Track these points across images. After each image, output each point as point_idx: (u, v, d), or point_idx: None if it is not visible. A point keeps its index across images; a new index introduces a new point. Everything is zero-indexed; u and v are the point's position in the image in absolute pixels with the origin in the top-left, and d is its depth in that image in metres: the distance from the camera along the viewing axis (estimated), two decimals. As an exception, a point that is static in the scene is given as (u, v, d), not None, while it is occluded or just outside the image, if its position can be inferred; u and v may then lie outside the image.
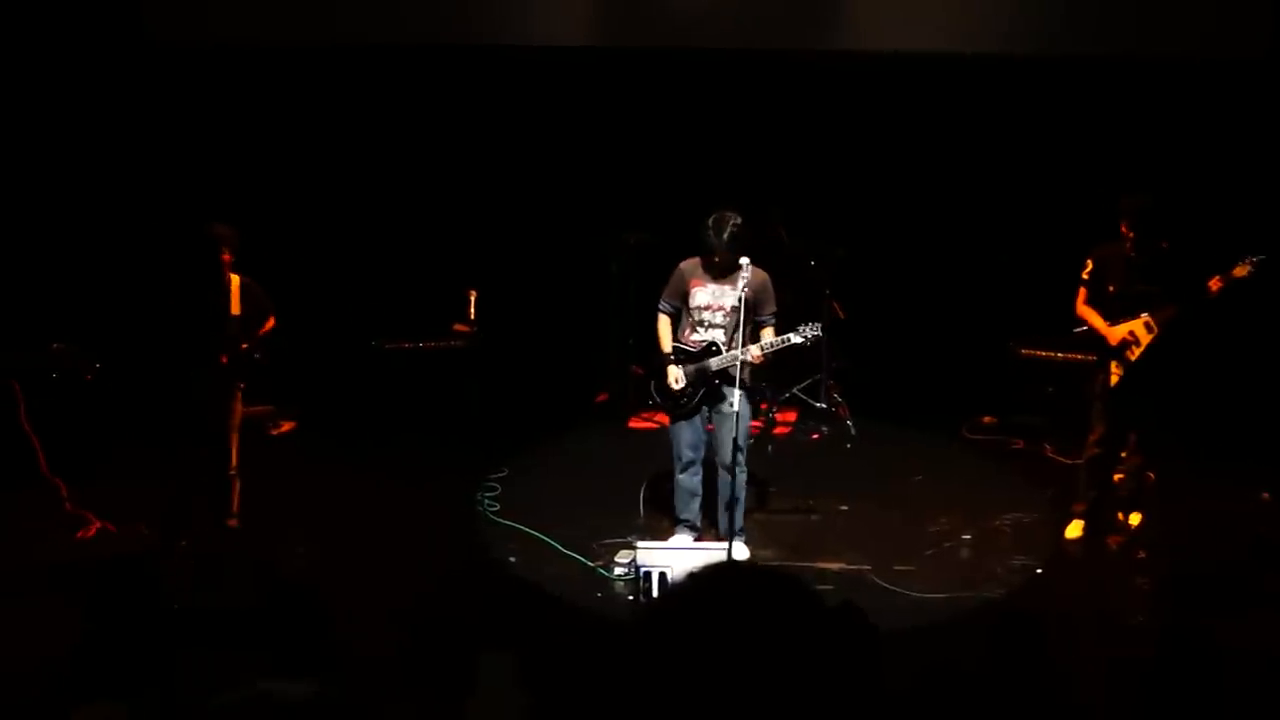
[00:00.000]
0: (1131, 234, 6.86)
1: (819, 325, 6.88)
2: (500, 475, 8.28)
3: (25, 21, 9.02)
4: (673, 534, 7.22)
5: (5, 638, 5.95)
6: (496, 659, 3.45)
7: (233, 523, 7.26)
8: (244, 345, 7.08)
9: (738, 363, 6.62)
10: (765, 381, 9.07)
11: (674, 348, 6.96)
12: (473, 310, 9.36)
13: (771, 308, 6.89)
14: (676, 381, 6.87)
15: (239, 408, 7.17)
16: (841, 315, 9.12)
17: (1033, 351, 9.10)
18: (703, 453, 7.13)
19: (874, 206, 9.80)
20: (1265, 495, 7.90)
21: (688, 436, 7.06)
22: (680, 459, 7.10)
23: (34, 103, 9.07)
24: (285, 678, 3.18)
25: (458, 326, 9.37)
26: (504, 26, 9.75)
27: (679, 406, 6.97)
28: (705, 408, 6.98)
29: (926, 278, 9.86)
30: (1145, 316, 6.96)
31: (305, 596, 3.44)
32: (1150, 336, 6.96)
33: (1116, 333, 7.00)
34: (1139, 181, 8.80)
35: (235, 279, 7.05)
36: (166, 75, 9.62)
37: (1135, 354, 7.00)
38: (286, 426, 9.26)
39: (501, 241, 9.92)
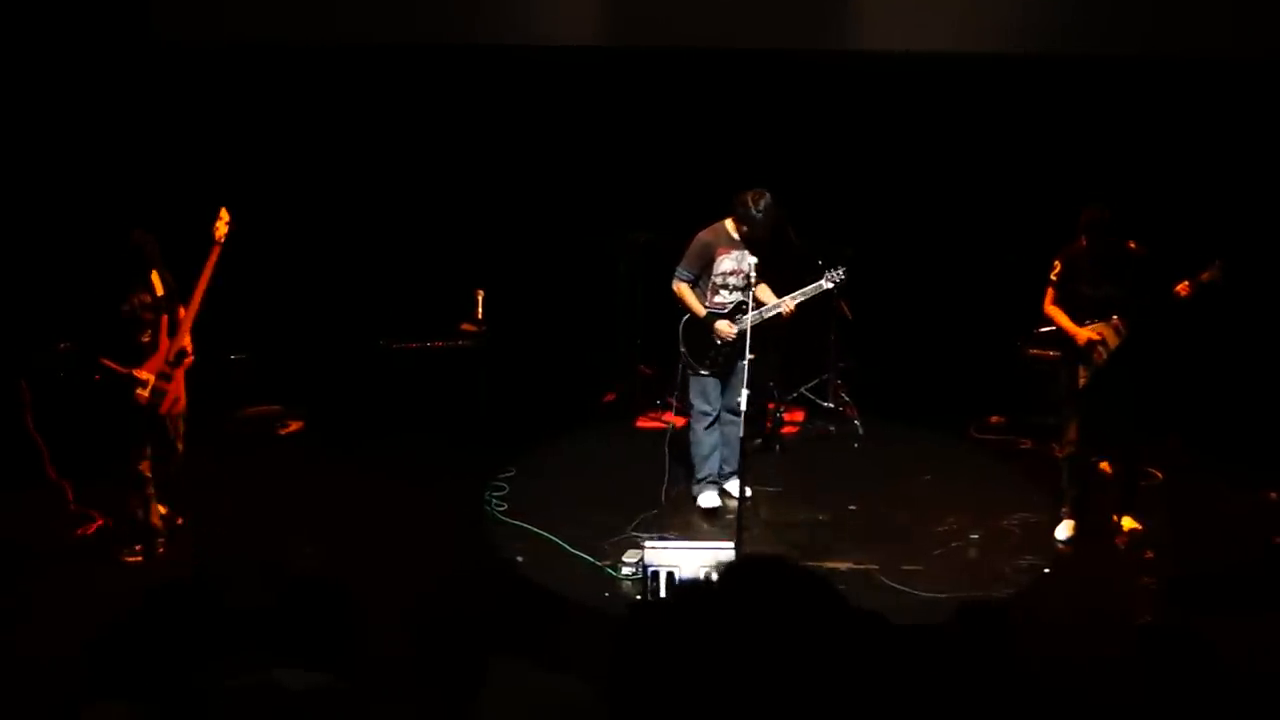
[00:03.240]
0: (1087, 243, 6.98)
1: (843, 270, 7.56)
2: (508, 475, 8.28)
3: (33, 21, 9.03)
4: (701, 494, 7.86)
5: (12, 636, 5.96)
6: (504, 659, 3.45)
7: (180, 520, 7.26)
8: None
9: (763, 317, 7.40)
10: (773, 381, 9.10)
11: (708, 311, 7.58)
12: (480, 310, 9.36)
13: (755, 260, 7.47)
14: (730, 328, 7.47)
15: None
16: (849, 315, 9.11)
17: (1041, 351, 9.08)
18: (720, 407, 7.74)
19: (882, 206, 9.79)
20: (1272, 495, 7.90)
21: (714, 392, 7.70)
22: (706, 414, 7.74)
23: (41, 102, 9.08)
24: (299, 667, 3.19)
25: (465, 326, 9.37)
26: (510, 26, 9.75)
27: (715, 364, 7.61)
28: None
29: (934, 277, 9.85)
30: (1115, 319, 6.99)
31: (318, 593, 3.43)
32: (1118, 339, 6.98)
33: (1083, 334, 7.03)
34: (1146, 181, 8.85)
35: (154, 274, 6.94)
36: (174, 74, 9.63)
37: (1102, 356, 7.02)
38: (294, 426, 9.27)
39: (509, 241, 9.92)
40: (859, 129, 9.76)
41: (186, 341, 6.97)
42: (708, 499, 7.84)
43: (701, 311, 7.56)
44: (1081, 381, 7.11)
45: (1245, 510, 7.77)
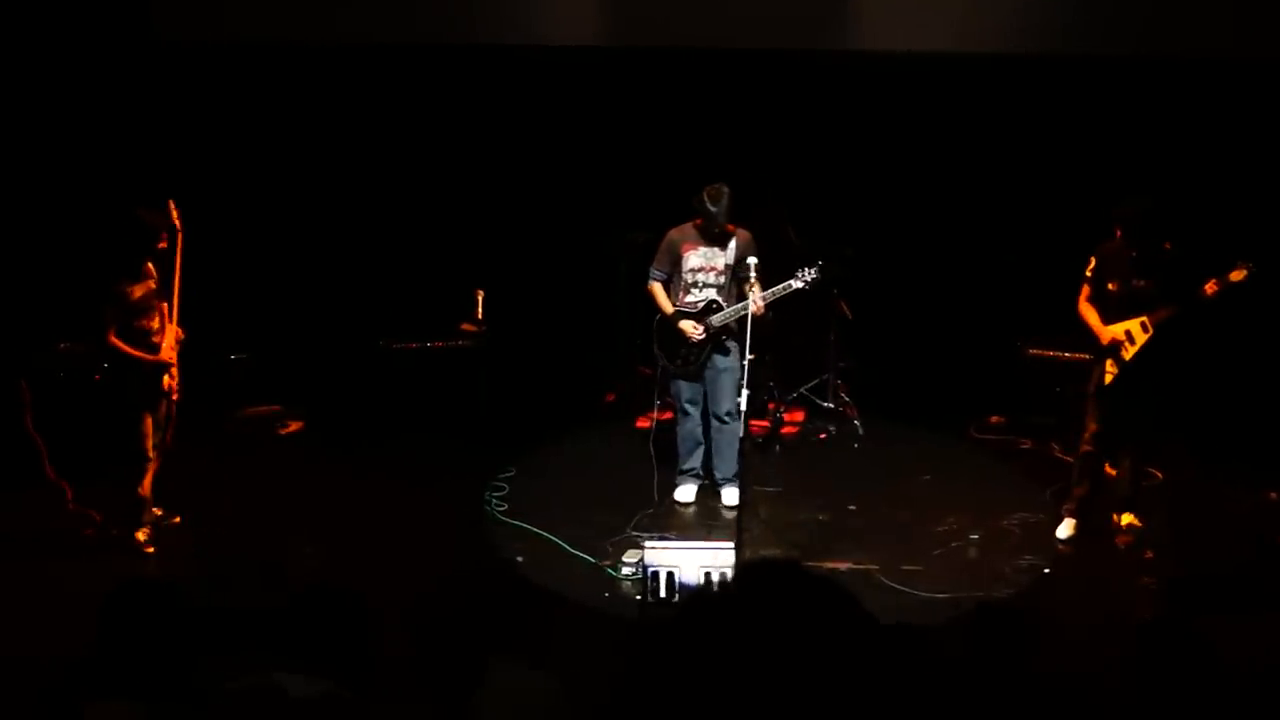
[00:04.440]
0: (1124, 239, 6.95)
1: (815, 269, 7.41)
2: (508, 475, 8.28)
3: (33, 20, 9.03)
4: (677, 488, 7.92)
5: (11, 636, 5.95)
6: (503, 659, 3.45)
7: (177, 519, 7.38)
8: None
9: (741, 315, 7.07)
10: (773, 381, 9.10)
11: (675, 310, 7.57)
12: (480, 310, 9.36)
13: (755, 261, 7.38)
14: (695, 329, 7.47)
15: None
16: (849, 315, 9.11)
17: (1041, 351, 9.09)
18: (701, 404, 7.77)
19: (883, 206, 9.79)
20: (1272, 495, 7.90)
21: (689, 391, 7.76)
22: (684, 411, 7.83)
23: (42, 101, 9.08)
24: (299, 671, 3.19)
25: (465, 326, 9.37)
26: (511, 26, 9.75)
27: (687, 364, 7.63)
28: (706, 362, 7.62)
29: (935, 277, 9.85)
30: (1143, 317, 6.98)
31: (319, 595, 3.43)
32: (1146, 337, 6.97)
33: (1109, 332, 7.04)
34: (1148, 182, 8.81)
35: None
36: (175, 74, 9.63)
37: (1129, 353, 7.01)
38: (294, 426, 9.27)
39: (509, 241, 9.92)
40: (859, 129, 9.75)
41: (178, 328, 7.11)
42: (682, 493, 7.94)
43: (669, 310, 7.61)
44: (1108, 379, 7.10)
45: (1245, 510, 7.77)
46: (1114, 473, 7.53)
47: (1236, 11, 9.12)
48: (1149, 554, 7.22)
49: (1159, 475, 8.17)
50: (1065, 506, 7.47)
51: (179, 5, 9.72)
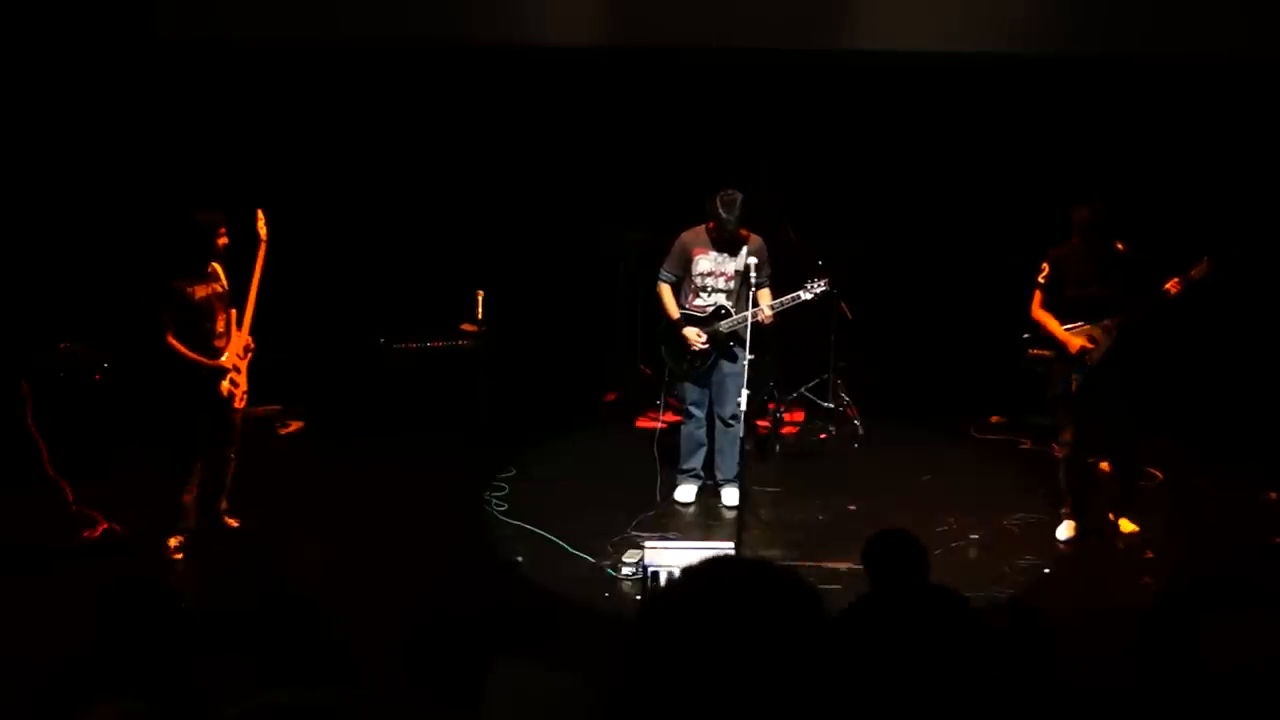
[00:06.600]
0: (1083, 243, 6.92)
1: (825, 281, 7.53)
2: (508, 475, 8.29)
3: (34, 18, 9.02)
4: (677, 488, 7.94)
5: (9, 637, 5.95)
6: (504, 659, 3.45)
7: (233, 522, 7.30)
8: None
9: (747, 322, 7.19)
10: (773, 380, 9.10)
11: (682, 313, 7.58)
12: (481, 310, 9.36)
13: (768, 270, 7.55)
14: (698, 336, 7.49)
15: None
16: (849, 315, 9.11)
17: (1041, 351, 9.06)
18: (706, 406, 7.79)
19: (885, 207, 9.78)
20: (1272, 495, 7.89)
21: (695, 393, 7.78)
22: (689, 414, 7.86)
23: (42, 99, 9.07)
24: (299, 686, 3.18)
25: (466, 326, 9.37)
26: (510, 27, 9.74)
27: (692, 367, 7.65)
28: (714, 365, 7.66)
29: (936, 278, 9.84)
30: (1105, 321, 6.96)
31: (314, 598, 3.43)
32: (1108, 340, 6.96)
33: (1074, 341, 7.01)
34: (1148, 182, 8.83)
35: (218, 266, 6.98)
36: (175, 72, 9.62)
37: (1093, 359, 7.00)
38: (294, 426, 9.28)
39: (509, 241, 9.92)
40: (859, 129, 9.74)
41: (248, 336, 7.05)
42: (683, 493, 7.95)
43: (675, 314, 7.62)
44: (1073, 386, 7.10)
45: (1245, 510, 7.77)
46: (1110, 471, 7.54)
47: (1237, 13, 9.10)
48: (1149, 554, 7.22)
49: (1159, 475, 8.17)
50: (1062, 510, 7.47)
51: (180, 3, 9.71)
